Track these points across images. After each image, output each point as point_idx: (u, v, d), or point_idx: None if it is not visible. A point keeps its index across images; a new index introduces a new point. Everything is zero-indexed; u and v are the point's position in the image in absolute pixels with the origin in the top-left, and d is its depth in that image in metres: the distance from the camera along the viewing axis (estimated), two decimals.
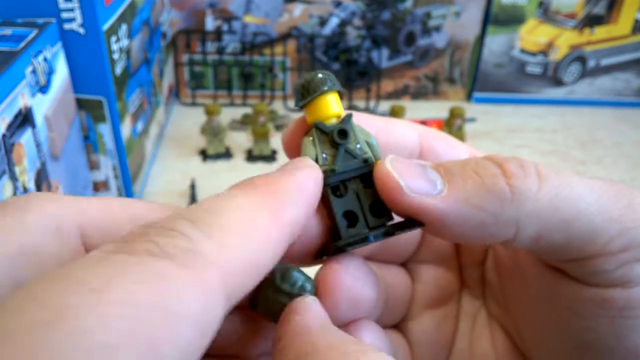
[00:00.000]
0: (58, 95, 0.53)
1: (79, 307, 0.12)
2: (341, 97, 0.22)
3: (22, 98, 0.46)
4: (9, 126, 0.43)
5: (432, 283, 0.26)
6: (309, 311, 0.19)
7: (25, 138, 0.46)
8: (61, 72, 0.54)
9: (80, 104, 0.58)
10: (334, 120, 0.22)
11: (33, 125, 0.48)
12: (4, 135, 0.42)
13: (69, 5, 0.52)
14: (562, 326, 0.22)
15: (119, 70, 0.60)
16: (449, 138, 0.24)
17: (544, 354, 0.23)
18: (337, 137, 0.21)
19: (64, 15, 0.52)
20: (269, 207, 0.18)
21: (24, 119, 0.46)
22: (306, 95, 0.22)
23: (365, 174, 0.21)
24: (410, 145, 0.23)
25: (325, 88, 0.22)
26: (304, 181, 0.19)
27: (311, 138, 0.22)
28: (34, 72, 0.48)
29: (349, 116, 0.22)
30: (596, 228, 0.19)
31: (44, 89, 0.50)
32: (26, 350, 0.12)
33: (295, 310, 0.19)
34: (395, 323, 0.26)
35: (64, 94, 0.54)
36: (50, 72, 0.51)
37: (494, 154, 0.21)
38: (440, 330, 0.26)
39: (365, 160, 0.22)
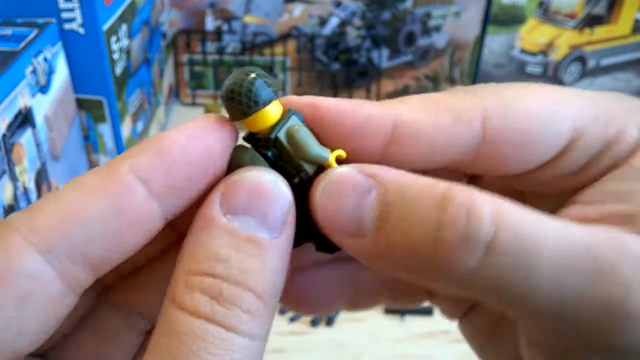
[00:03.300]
0: (58, 95, 0.53)
1: None
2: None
3: (22, 98, 0.46)
4: (9, 126, 0.43)
5: None
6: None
7: (26, 138, 0.46)
8: (61, 72, 0.54)
9: (80, 104, 0.58)
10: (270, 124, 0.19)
11: (33, 125, 0.48)
12: (4, 135, 0.42)
13: (69, 5, 0.52)
14: None
15: (119, 70, 0.60)
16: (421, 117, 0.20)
17: None
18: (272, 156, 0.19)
19: (64, 15, 0.52)
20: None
21: (24, 119, 0.46)
22: (252, 106, 0.19)
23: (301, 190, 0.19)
24: (378, 135, 0.19)
25: (272, 97, 0.19)
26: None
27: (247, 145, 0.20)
28: (34, 72, 0.48)
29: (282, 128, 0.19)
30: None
31: (44, 89, 0.50)
32: None
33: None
34: None
35: (64, 94, 0.54)
36: (50, 72, 0.51)
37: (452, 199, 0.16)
38: None
39: (300, 179, 0.19)
